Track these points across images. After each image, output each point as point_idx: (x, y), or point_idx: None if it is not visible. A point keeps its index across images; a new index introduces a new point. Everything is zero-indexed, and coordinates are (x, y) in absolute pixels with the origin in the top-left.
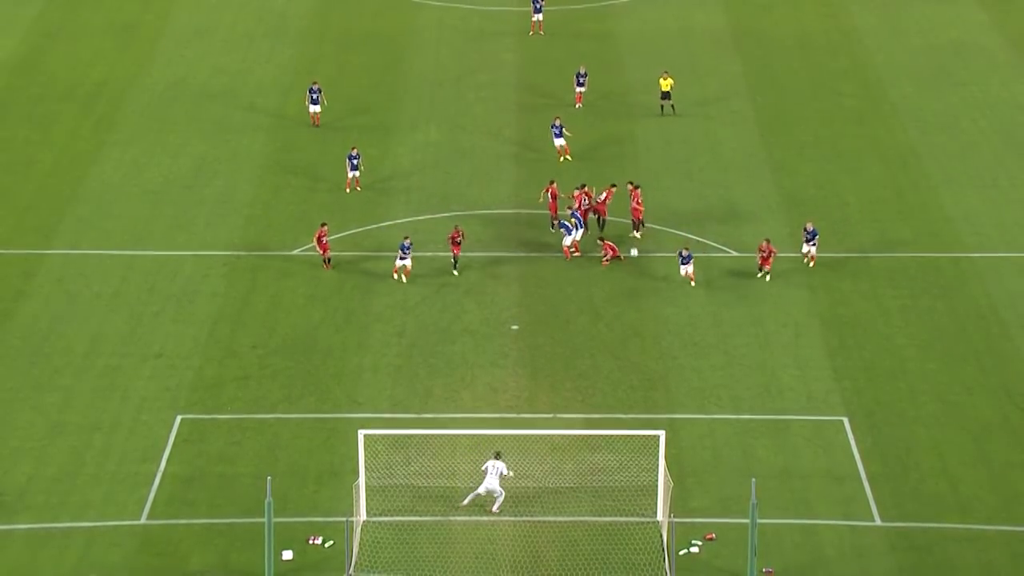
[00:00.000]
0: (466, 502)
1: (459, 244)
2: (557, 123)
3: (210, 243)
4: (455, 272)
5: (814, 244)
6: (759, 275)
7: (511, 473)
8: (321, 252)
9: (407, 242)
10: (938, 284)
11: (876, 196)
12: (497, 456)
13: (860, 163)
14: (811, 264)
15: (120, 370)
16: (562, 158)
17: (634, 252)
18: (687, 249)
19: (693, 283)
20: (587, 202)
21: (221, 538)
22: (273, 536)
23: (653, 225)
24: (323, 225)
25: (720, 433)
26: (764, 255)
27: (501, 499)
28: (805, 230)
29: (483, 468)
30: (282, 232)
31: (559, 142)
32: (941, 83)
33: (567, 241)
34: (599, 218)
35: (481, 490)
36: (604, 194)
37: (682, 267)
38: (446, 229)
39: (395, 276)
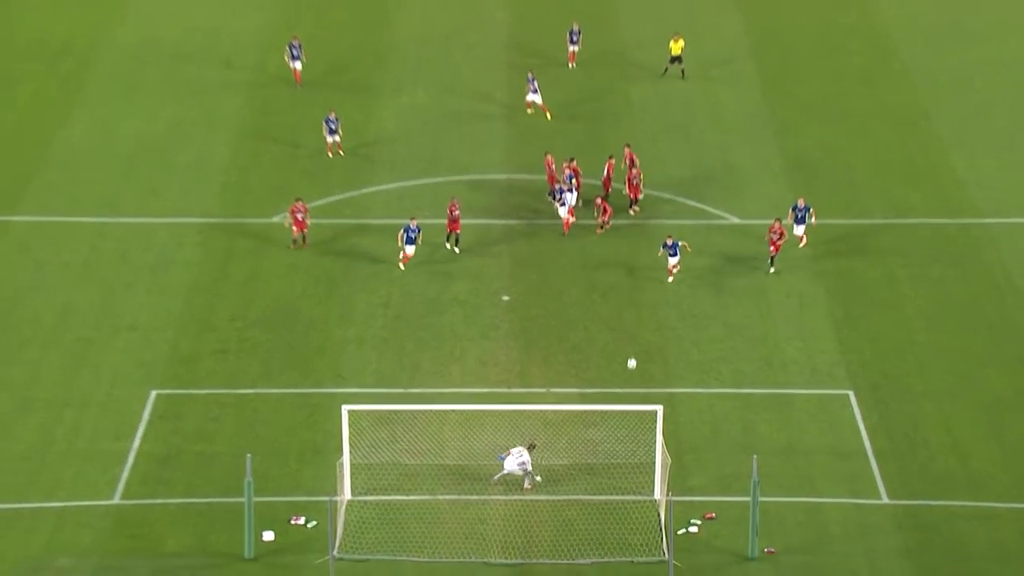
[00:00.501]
0: (496, 478)
1: (458, 220)
2: (531, 76)
3: (185, 210)
4: (456, 250)
5: (806, 224)
6: (770, 268)
7: (530, 472)
8: (295, 229)
9: (414, 225)
10: (949, 252)
11: (884, 159)
12: (530, 448)
13: (868, 125)
14: (801, 245)
15: (91, 343)
16: (531, 110)
17: (632, 363)
18: (671, 238)
19: (672, 278)
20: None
21: (199, 519)
22: (253, 516)
23: (650, 191)
24: (298, 200)
25: (720, 408)
26: (777, 237)
27: (528, 478)
28: (795, 208)
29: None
30: (261, 198)
31: (533, 98)
32: (955, 39)
33: (563, 212)
34: (606, 194)
35: (506, 471)
36: (605, 168)
37: (669, 259)
38: (433, 196)
39: (402, 267)
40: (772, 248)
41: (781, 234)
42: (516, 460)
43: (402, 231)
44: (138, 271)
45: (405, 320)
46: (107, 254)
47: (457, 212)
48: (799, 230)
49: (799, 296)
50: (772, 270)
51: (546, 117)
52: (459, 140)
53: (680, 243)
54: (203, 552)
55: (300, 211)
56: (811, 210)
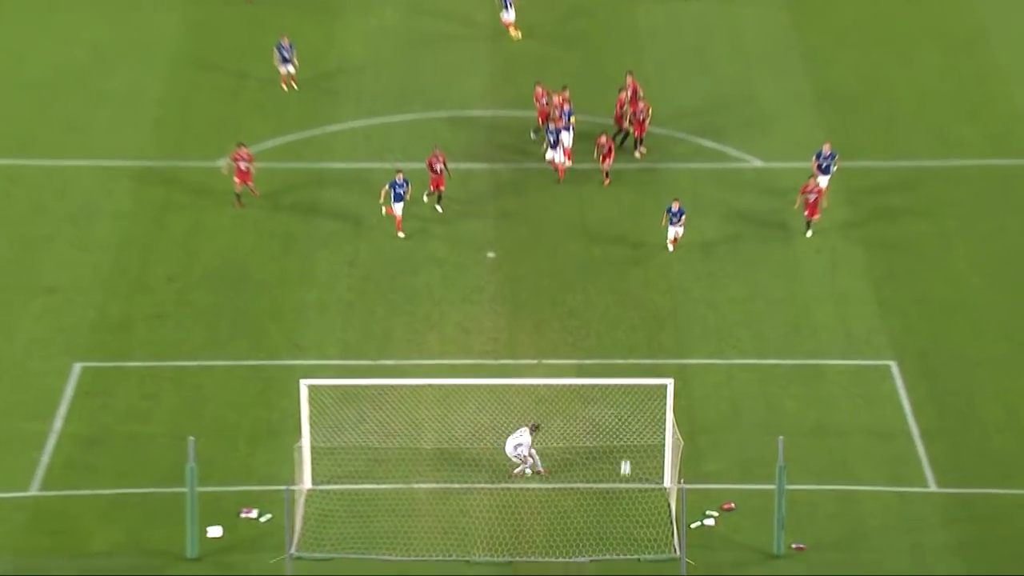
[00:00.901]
0: (517, 472)
1: (442, 176)
2: None
3: (113, 150)
4: (438, 208)
5: (829, 174)
6: (809, 234)
7: (528, 455)
8: (237, 182)
9: (400, 179)
10: (1008, 198)
11: (933, 90)
12: (533, 429)
13: (914, 50)
14: (823, 204)
15: (3, 307)
16: (515, 32)
17: (625, 468)
18: (678, 202)
19: (672, 248)
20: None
21: (132, 512)
22: (197, 509)
23: (658, 130)
24: (240, 145)
25: (740, 381)
26: (812, 199)
27: (528, 463)
28: (819, 156)
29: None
30: (202, 138)
31: (508, 17)
32: None
33: (556, 155)
34: (618, 133)
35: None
36: (618, 102)
37: (670, 228)
38: (405, 136)
39: (401, 233)
40: (807, 212)
41: (819, 193)
42: (512, 444)
43: (387, 187)
44: (57, 223)
45: (374, 281)
46: (20, 203)
47: (440, 166)
48: (822, 182)
49: (831, 251)
50: (808, 233)
51: (512, 36)
52: (435, 69)
53: (684, 213)
54: (137, 551)
55: (244, 159)
56: (836, 158)
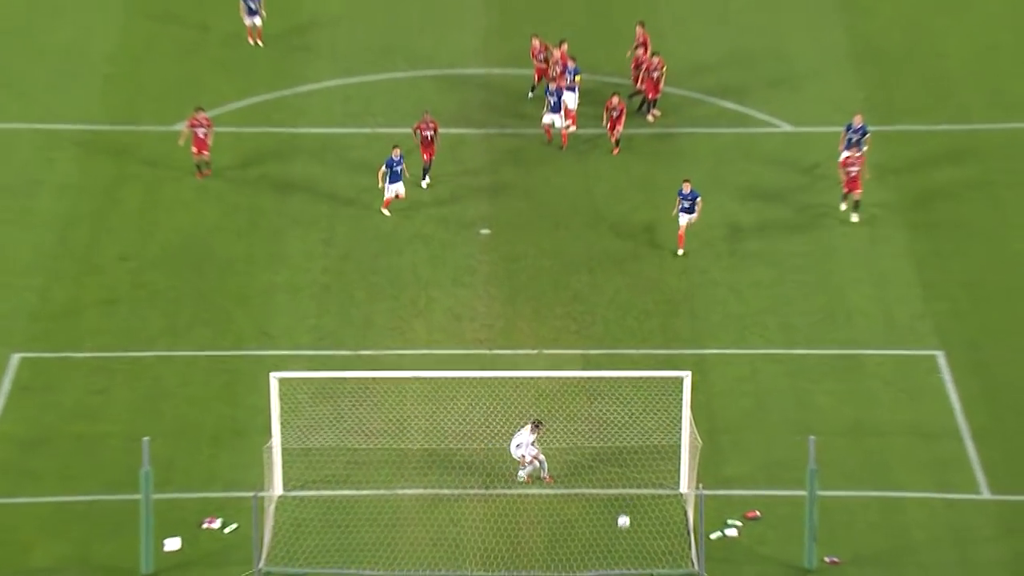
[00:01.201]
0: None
1: (432, 144)
2: None
3: (56, 113)
4: (424, 184)
5: (862, 150)
6: (844, 206)
7: (531, 458)
8: (194, 151)
9: (397, 155)
10: None
11: (988, 43)
12: (535, 426)
13: None
14: (865, 176)
15: None
16: None
17: (623, 521)
18: (689, 184)
19: (682, 250)
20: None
21: (79, 522)
22: (152, 519)
23: (674, 89)
24: (199, 110)
25: (766, 374)
26: (854, 174)
27: (527, 467)
28: (849, 129)
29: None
30: (159, 99)
31: None
32: None
33: (556, 119)
34: (636, 95)
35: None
36: (632, 58)
37: (681, 215)
38: (389, 97)
39: (385, 211)
40: (846, 186)
41: (862, 164)
42: (513, 444)
43: (383, 167)
44: None
45: (353, 261)
46: None
47: (429, 133)
48: (848, 155)
49: (871, 227)
50: (854, 217)
51: None
52: (421, 22)
53: (698, 196)
54: (84, 566)
55: (202, 125)
56: (868, 135)
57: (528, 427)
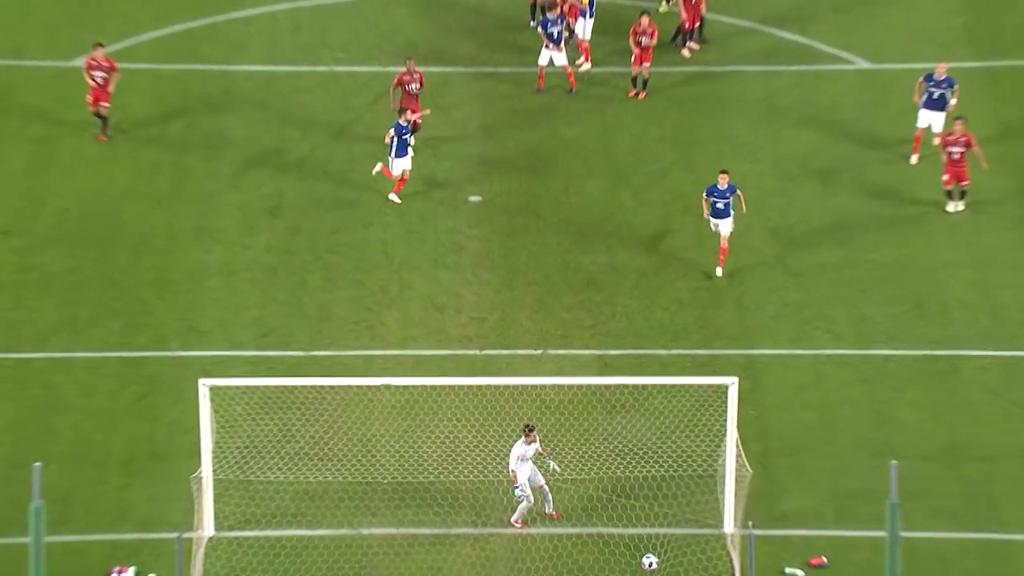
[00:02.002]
0: (515, 517)
1: (416, 99)
2: None
3: None
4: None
5: (945, 111)
6: (950, 207)
7: (518, 480)
8: (90, 103)
9: (404, 120)
10: None
11: None
12: (527, 432)
13: None
14: (936, 142)
15: None
16: None
17: (648, 561)
18: (726, 175)
19: (720, 270)
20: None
21: None
22: (44, 567)
23: (718, 16)
24: (98, 46)
25: (834, 381)
26: (959, 155)
27: (517, 489)
28: (928, 80)
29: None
30: (51, 28)
31: None
32: None
33: (555, 57)
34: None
35: (522, 494)
36: None
37: (712, 221)
38: (352, 29)
39: (395, 196)
40: (947, 172)
41: (967, 144)
42: (514, 457)
43: (390, 136)
44: None
45: (305, 236)
46: None
47: (416, 86)
48: (932, 120)
49: (968, 196)
50: (957, 207)
51: None
52: None
53: (737, 191)
54: None
55: (100, 68)
56: (955, 87)
57: (521, 440)
